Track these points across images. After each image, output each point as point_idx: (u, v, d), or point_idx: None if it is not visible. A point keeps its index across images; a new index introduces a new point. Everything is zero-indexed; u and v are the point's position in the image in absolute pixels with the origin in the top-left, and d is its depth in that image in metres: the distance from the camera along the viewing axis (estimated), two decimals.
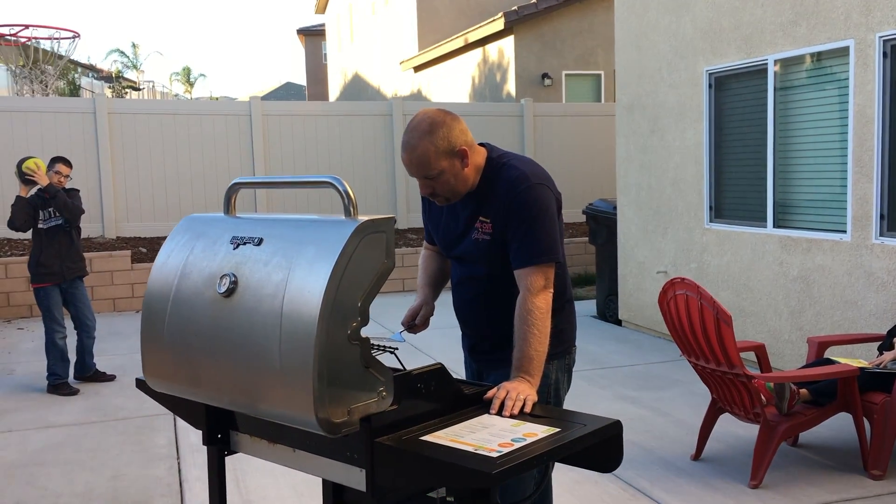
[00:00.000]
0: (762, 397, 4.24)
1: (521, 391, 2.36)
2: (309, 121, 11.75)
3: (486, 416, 2.27)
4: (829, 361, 4.52)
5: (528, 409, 2.32)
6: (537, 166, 2.69)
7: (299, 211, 11.63)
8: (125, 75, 37.96)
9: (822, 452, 4.61)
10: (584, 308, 9.27)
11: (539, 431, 2.13)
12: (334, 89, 27.87)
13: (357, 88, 24.42)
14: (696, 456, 4.56)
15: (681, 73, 7.18)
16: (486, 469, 1.85)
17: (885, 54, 5.23)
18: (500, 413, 2.28)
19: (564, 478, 4.31)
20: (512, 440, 2.06)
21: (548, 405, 2.40)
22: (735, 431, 4.88)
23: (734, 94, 6.69)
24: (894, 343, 4.53)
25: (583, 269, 11.17)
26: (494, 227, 2.63)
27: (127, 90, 34.68)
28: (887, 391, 4.28)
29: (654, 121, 7.62)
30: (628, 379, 6.28)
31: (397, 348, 2.34)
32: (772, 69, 6.16)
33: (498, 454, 1.95)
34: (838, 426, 4.84)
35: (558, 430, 2.15)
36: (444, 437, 2.09)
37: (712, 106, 6.89)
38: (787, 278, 6.11)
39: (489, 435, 2.10)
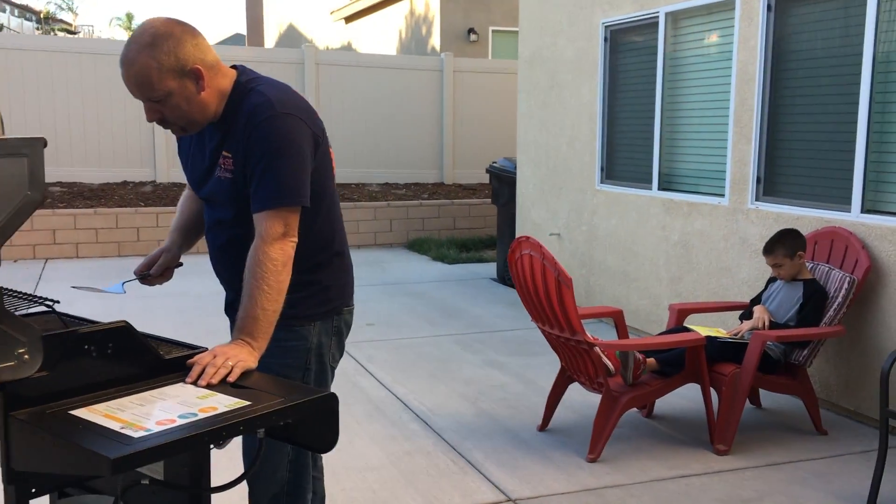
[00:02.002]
0: (609, 366, 3.99)
1: (231, 356, 2.02)
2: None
3: (178, 386, 1.92)
4: (686, 330, 4.28)
5: (233, 377, 1.97)
6: (291, 93, 2.31)
7: None
8: (59, 17, 36.35)
9: (676, 425, 4.39)
10: (486, 271, 8.99)
11: (222, 405, 1.79)
12: (270, 41, 26.99)
13: (291, 40, 23.63)
14: (543, 426, 4.30)
15: (579, 26, 6.84)
16: (105, 453, 1.51)
17: (769, 7, 4.94)
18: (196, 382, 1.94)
19: (395, 447, 4.02)
20: (179, 416, 1.72)
21: (269, 375, 2.06)
22: (592, 401, 4.64)
23: (628, 50, 6.37)
24: (753, 312, 4.31)
25: (493, 231, 10.87)
26: (235, 162, 2.26)
27: (61, 34, 33.21)
28: (739, 362, 4.05)
29: (553, 76, 7.28)
30: (504, 344, 6.01)
31: (58, 301, 1.96)
32: (663, 23, 5.85)
33: (145, 434, 1.61)
34: (699, 397, 4.63)
35: (248, 403, 1.82)
36: (100, 411, 1.74)
37: (607, 61, 6.57)
38: (669, 243, 5.86)
39: (159, 409, 1.76)
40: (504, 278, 8.49)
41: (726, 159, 5.31)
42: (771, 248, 4.27)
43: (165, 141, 10.69)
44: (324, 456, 3.86)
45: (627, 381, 3.99)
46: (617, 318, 4.53)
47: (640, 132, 6.23)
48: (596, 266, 6.75)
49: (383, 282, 8.36)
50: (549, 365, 5.48)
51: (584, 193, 6.89)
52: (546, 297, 3.90)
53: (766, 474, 3.78)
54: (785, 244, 4.24)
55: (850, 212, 4.44)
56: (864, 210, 4.38)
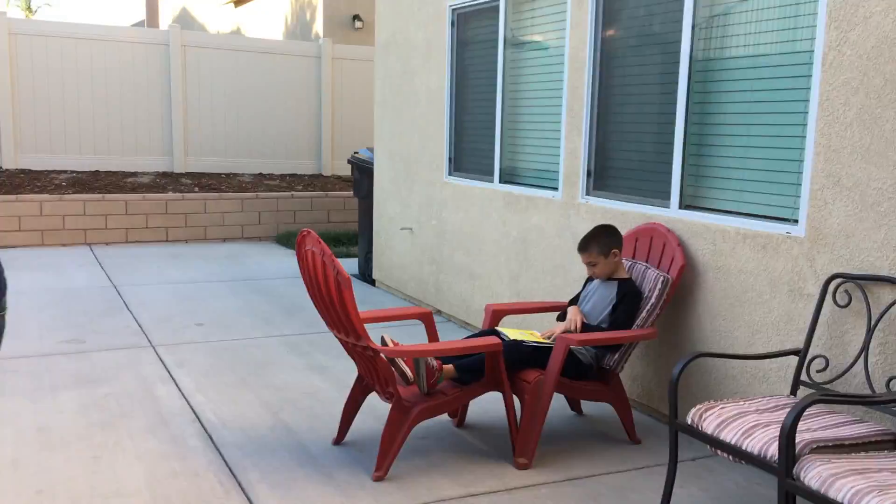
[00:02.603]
0: (408, 373, 3.64)
1: None
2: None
3: None
4: (494, 333, 3.97)
5: None
6: None
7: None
8: None
9: (486, 436, 4.08)
10: (350, 267, 8.59)
11: None
12: (164, 26, 25.91)
13: (184, 25, 22.68)
14: (338, 440, 3.93)
15: (429, 9, 6.49)
16: None
17: None
18: None
19: (162, 468, 3.58)
20: None
21: None
22: None
23: (474, 35, 6.05)
24: (567, 313, 4.03)
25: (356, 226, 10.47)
26: None
27: None
28: (545, 368, 3.76)
29: (406, 62, 6.92)
30: (336, 346, 5.61)
31: None
32: (503, 6, 5.54)
33: None
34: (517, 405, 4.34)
35: None
36: None
37: (454, 47, 6.23)
38: (509, 239, 5.57)
39: None
40: (365, 275, 8.10)
41: (560, 151, 5.04)
42: (585, 245, 3.99)
43: None
44: (68, 479, 3.42)
45: (422, 389, 3.65)
46: (426, 320, 4.18)
47: (485, 122, 5.92)
48: (445, 262, 6.42)
49: (233, 277, 7.87)
50: None
51: (434, 186, 6.55)
52: (328, 297, 3.52)
53: (563, 490, 3.49)
54: (599, 242, 3.97)
55: (669, 207, 4.21)
56: (683, 206, 4.15)
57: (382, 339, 3.65)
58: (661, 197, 4.29)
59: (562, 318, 4.17)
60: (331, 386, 4.78)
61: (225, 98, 11.22)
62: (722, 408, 3.10)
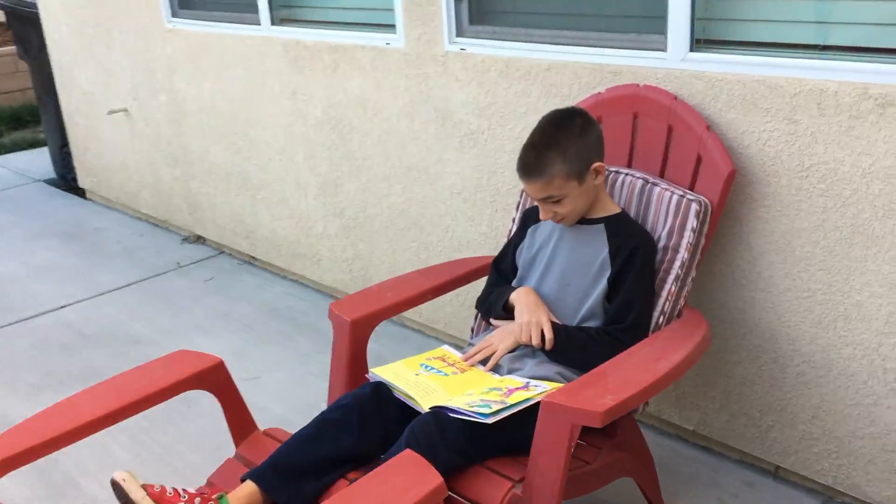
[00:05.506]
0: None
1: None
2: None
3: None
4: (374, 394, 1.80)
5: None
6: None
7: None
8: None
9: None
10: (35, 166, 5.75)
11: None
12: None
13: None
14: None
15: None
16: None
17: None
18: None
19: None
20: None
21: None
22: None
23: None
24: (514, 302, 1.94)
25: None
26: None
27: None
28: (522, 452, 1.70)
29: None
30: None
31: None
32: None
33: None
34: None
35: None
36: None
37: None
38: (309, 121, 3.25)
39: None
40: (65, 178, 5.35)
41: None
42: (537, 163, 1.84)
43: None
44: None
45: None
46: (218, 386, 1.90)
47: None
48: (195, 163, 3.97)
49: None
50: None
51: (152, 37, 3.93)
52: None
53: None
54: (563, 150, 1.83)
55: (665, 50, 2.12)
56: (695, 44, 2.08)
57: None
58: (643, 29, 2.18)
59: (486, 310, 2.07)
60: None
61: None
62: None
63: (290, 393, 2.80)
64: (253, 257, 3.89)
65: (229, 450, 1.87)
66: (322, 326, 3.25)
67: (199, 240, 4.23)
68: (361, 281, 3.27)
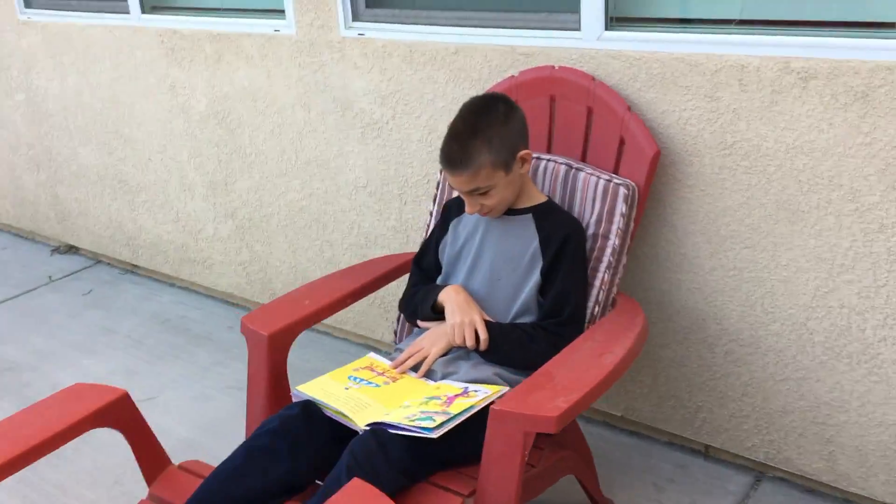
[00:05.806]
0: None
1: None
2: None
3: None
4: (304, 415, 1.65)
5: None
6: None
7: None
8: None
9: None
10: None
11: None
12: None
13: None
14: None
15: None
16: None
17: None
18: None
19: None
20: None
21: None
22: None
23: None
24: (444, 302, 1.83)
25: None
26: None
27: None
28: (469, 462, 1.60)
29: None
30: None
31: None
32: None
33: None
34: None
35: None
36: None
37: None
38: (193, 117, 3.02)
39: None
40: None
41: None
42: (462, 154, 1.73)
43: None
44: None
45: None
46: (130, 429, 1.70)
47: None
48: (63, 166, 3.64)
49: None
50: None
51: (2, 31, 3.56)
52: None
53: None
54: (488, 139, 1.72)
55: (578, 30, 2.04)
56: (608, 23, 2.02)
57: None
58: (555, 8, 2.10)
59: (412, 312, 1.95)
60: None
61: None
62: None
63: (193, 411, 2.59)
64: (135, 265, 3.61)
65: (130, 484, 1.67)
66: (220, 336, 3.04)
67: (72, 250, 3.89)
68: (259, 284, 3.08)
